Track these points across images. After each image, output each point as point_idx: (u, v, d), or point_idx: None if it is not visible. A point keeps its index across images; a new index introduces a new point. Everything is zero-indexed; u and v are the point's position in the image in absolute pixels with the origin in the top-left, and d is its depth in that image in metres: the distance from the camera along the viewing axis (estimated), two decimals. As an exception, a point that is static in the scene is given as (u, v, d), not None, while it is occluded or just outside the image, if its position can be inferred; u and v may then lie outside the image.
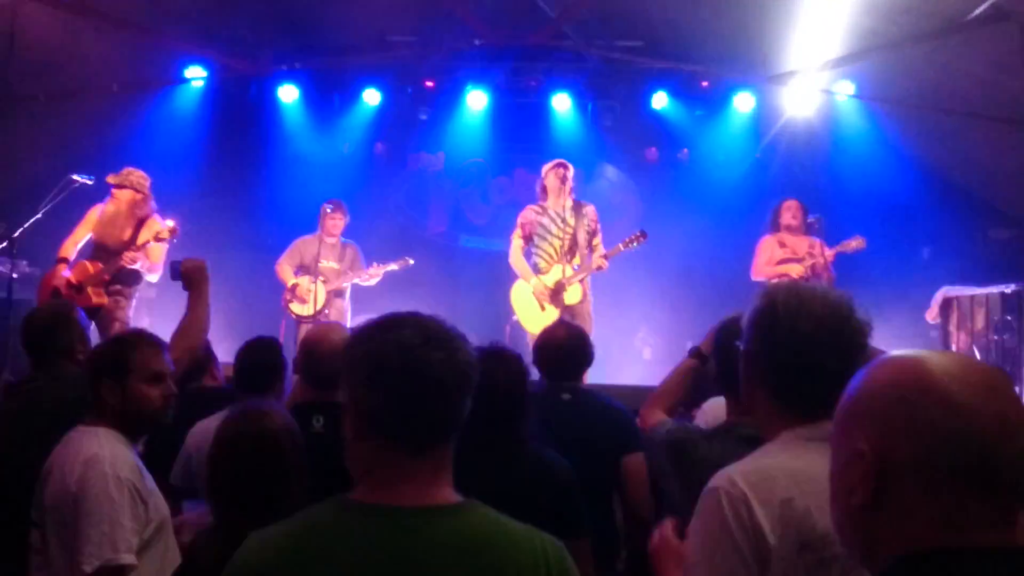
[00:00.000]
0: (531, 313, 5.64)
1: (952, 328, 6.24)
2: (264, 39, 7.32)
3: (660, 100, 7.64)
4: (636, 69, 7.58)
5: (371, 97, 7.75)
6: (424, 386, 1.25)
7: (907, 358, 0.94)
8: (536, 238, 5.71)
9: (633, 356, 7.78)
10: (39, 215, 5.32)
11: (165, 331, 2.63)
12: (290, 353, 3.19)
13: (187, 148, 7.52)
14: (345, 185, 7.51)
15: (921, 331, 6.56)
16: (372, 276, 6.11)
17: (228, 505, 1.88)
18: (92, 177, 5.41)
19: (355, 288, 6.25)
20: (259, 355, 3.04)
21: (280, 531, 1.26)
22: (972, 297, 6.12)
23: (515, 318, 5.88)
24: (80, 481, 2.01)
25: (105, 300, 5.20)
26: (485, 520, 1.28)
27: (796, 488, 1.33)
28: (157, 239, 5.22)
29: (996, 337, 5.88)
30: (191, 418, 2.87)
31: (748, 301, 1.56)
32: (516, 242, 5.78)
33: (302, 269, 6.16)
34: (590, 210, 5.73)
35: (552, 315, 5.47)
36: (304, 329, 5.80)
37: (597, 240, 5.69)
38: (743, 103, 7.56)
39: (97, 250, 5.31)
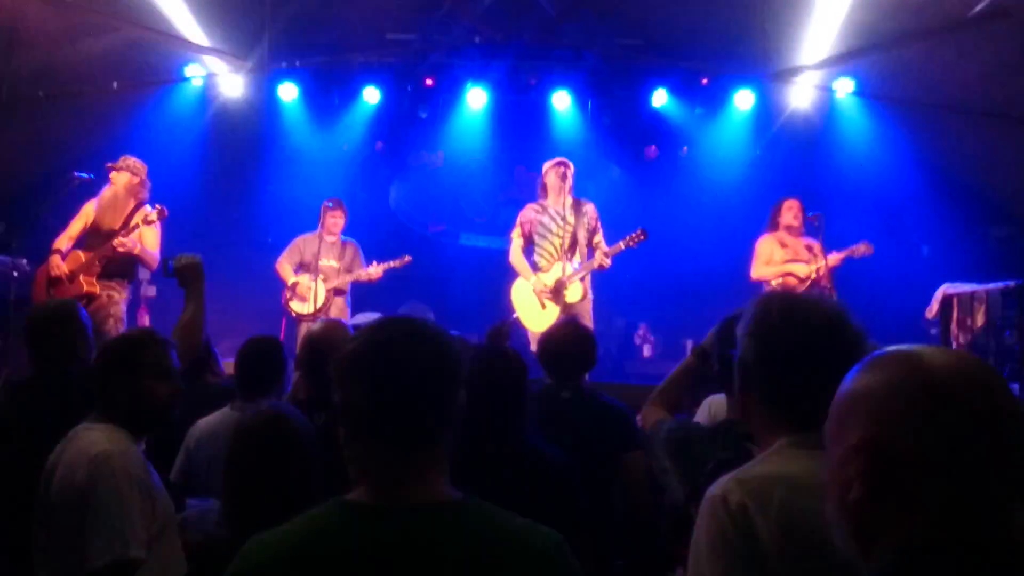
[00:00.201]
0: (531, 311, 5.65)
1: (952, 325, 6.23)
2: (263, 37, 7.31)
3: (660, 97, 7.64)
4: (636, 66, 7.58)
5: (371, 95, 7.75)
6: (395, 381, 1.27)
7: (902, 353, 0.94)
8: (536, 236, 5.71)
9: (633, 354, 7.79)
10: (40, 214, 5.33)
11: (164, 330, 2.63)
12: (290, 351, 3.20)
13: (187, 146, 7.52)
14: (345, 183, 7.52)
15: (921, 328, 6.56)
16: (372, 274, 6.11)
17: (248, 506, 1.87)
18: (93, 175, 5.43)
19: (355, 286, 6.25)
20: (260, 353, 3.05)
21: (280, 534, 1.26)
22: (972, 294, 6.11)
23: (515, 316, 5.88)
24: (89, 477, 2.01)
25: (96, 289, 5.18)
26: (485, 516, 1.28)
27: (794, 496, 1.33)
28: (146, 222, 5.23)
29: (996, 334, 5.89)
30: (191, 416, 2.88)
31: (748, 298, 1.56)
32: (516, 241, 5.77)
33: (302, 267, 6.16)
34: (590, 208, 5.73)
35: (552, 313, 5.47)
36: (304, 327, 5.80)
37: (598, 238, 5.68)
38: (743, 100, 7.56)
39: (91, 237, 5.31)
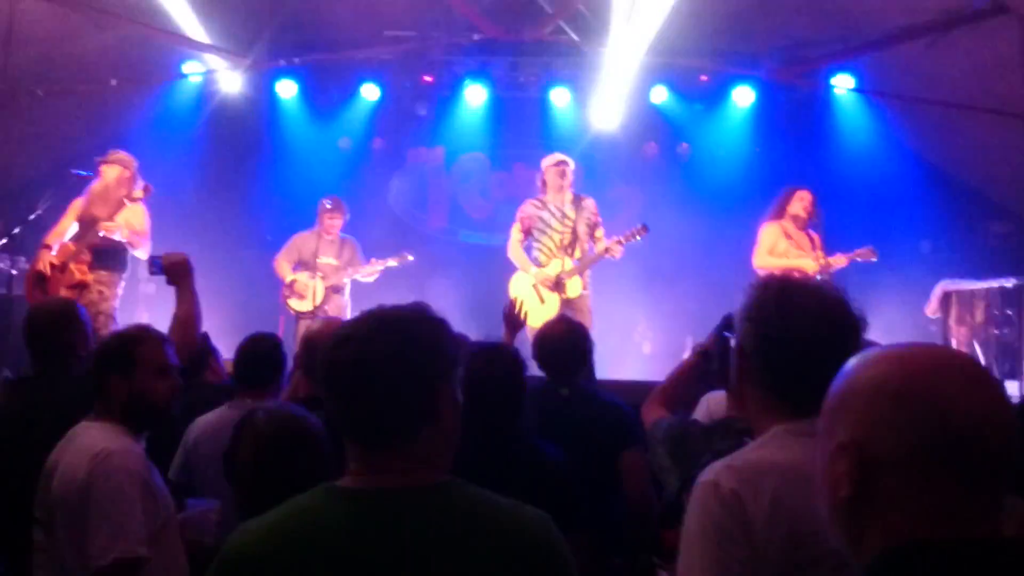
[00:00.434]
0: (530, 305, 5.64)
1: (951, 322, 6.23)
2: (262, 34, 7.30)
3: (659, 94, 7.63)
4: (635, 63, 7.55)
5: (369, 92, 7.74)
6: (356, 385, 1.27)
7: (889, 351, 0.94)
8: (536, 232, 5.71)
9: (632, 350, 7.79)
10: (38, 211, 5.32)
11: (162, 328, 2.63)
12: (289, 349, 3.20)
13: (185, 143, 7.51)
14: (344, 181, 7.50)
15: (920, 325, 6.56)
16: (371, 272, 6.11)
17: (258, 502, 1.86)
18: (91, 172, 5.42)
19: (354, 284, 6.25)
20: (259, 351, 3.05)
21: (267, 519, 1.27)
22: (971, 291, 6.12)
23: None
24: (90, 475, 2.00)
25: (89, 278, 5.16)
26: (470, 496, 1.28)
27: (786, 483, 1.33)
28: (131, 199, 5.21)
29: (995, 331, 5.89)
30: (190, 413, 2.88)
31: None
32: (515, 235, 5.77)
33: (300, 265, 6.16)
34: (590, 203, 5.72)
35: (552, 307, 5.47)
36: (303, 325, 5.81)
37: (600, 232, 5.68)
38: (742, 97, 7.55)
39: (81, 229, 5.29)
